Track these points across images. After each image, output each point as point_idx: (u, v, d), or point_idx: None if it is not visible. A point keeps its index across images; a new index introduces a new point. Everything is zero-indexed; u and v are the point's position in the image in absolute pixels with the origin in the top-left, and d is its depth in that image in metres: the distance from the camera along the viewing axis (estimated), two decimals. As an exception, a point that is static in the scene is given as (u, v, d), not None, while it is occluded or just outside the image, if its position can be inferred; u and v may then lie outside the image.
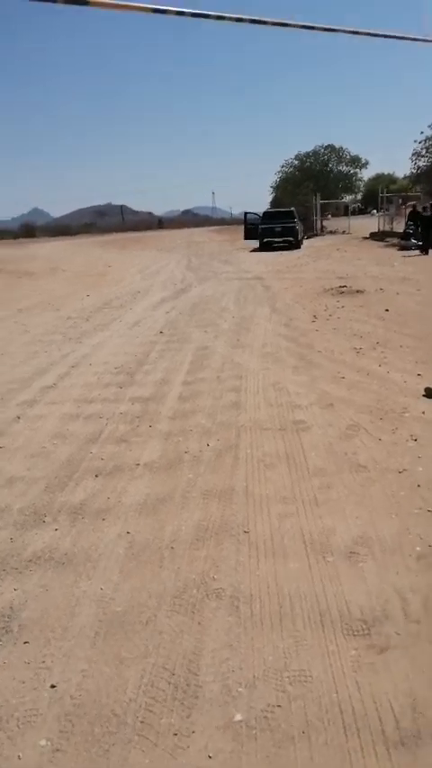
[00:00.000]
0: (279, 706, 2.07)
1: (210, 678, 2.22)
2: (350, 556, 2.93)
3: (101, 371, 6.74)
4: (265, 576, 2.81)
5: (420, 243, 20.43)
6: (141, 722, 2.05)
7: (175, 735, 1.99)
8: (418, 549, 2.95)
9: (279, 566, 2.89)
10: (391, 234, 26.41)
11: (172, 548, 3.11)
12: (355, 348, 7.09)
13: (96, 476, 4.03)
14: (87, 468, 4.17)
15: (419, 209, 20.06)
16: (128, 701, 2.15)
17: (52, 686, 2.23)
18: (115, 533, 3.29)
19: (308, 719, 2.01)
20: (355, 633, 2.40)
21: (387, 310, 9.34)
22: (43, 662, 2.35)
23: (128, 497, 3.69)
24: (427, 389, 5.27)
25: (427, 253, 18.82)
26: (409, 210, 23.94)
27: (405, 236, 22.00)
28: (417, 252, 19.28)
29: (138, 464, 4.18)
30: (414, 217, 22.12)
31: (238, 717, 2.04)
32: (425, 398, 5.17)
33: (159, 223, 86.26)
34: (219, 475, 3.93)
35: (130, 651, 2.39)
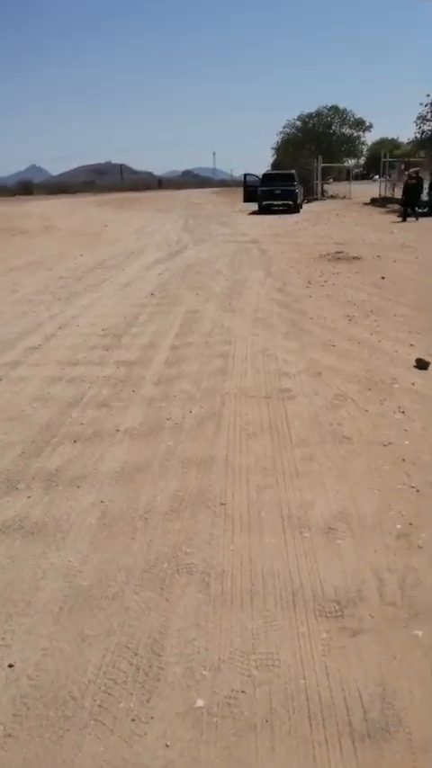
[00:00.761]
0: (243, 692, 1.96)
1: (173, 659, 2.10)
2: (328, 532, 2.80)
3: (88, 333, 6.54)
4: (238, 552, 2.68)
5: (424, 209, 19.99)
6: (99, 706, 1.93)
7: (133, 721, 1.88)
8: (398, 526, 2.83)
9: (254, 540, 2.76)
10: (393, 200, 25.83)
11: (146, 518, 2.98)
12: (348, 316, 6.89)
13: (75, 441, 3.88)
14: (66, 433, 4.02)
15: (406, 176, 19.92)
16: (87, 682, 2.03)
17: (10, 665, 2.11)
18: (89, 502, 3.15)
19: (272, 707, 1.90)
20: (328, 615, 2.28)
21: (383, 278, 9.10)
22: (2, 639, 2.23)
23: (105, 464, 3.55)
24: (418, 360, 5.10)
25: (404, 220, 18.61)
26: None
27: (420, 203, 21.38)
28: (414, 219, 18.82)
29: (118, 430, 4.03)
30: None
31: (200, 702, 1.93)
32: (415, 369, 5.00)
33: (159, 183, 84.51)
34: (199, 443, 3.78)
35: (94, 628, 2.27)
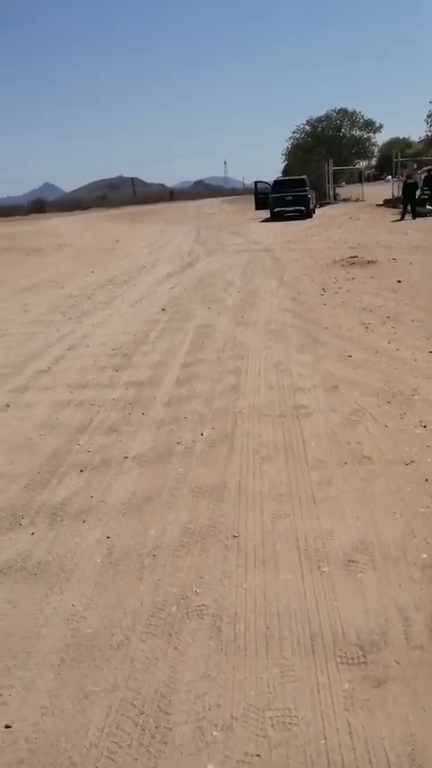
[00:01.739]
0: (258, 755, 1.80)
1: (182, 718, 1.95)
2: (348, 565, 2.63)
3: (98, 353, 6.44)
4: (252, 590, 2.52)
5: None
6: (100, 775, 1.78)
7: (137, 793, 1.72)
8: (423, 556, 2.64)
9: (269, 577, 2.60)
10: (414, 201, 25.51)
11: (154, 555, 2.83)
12: (364, 323, 6.70)
13: (81, 471, 3.76)
14: (73, 462, 3.90)
15: (408, 176, 21.42)
16: (89, 745, 1.89)
17: (7, 726, 1.98)
18: (95, 538, 3.02)
19: (290, 775, 1.73)
20: (350, 661, 2.11)
21: (399, 282, 8.89)
22: (0, 695, 2.10)
23: (112, 496, 3.42)
24: (438, 369, 4.90)
25: (402, 218, 19.49)
26: (424, 176, 23.05)
27: (420, 201, 21.22)
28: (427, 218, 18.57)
29: (126, 457, 3.90)
30: (429, 182, 21.34)
31: (210, 769, 1.77)
32: (436, 379, 4.80)
33: (171, 195, 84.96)
34: (211, 469, 3.63)
35: (97, 683, 2.12)
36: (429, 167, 24.01)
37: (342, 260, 11.47)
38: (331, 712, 1.92)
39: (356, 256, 11.67)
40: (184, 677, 2.11)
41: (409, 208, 19.93)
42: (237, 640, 2.25)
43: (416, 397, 4.45)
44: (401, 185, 20.98)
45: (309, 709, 1.94)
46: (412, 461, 3.49)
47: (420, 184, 22.01)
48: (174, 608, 2.46)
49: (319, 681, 2.04)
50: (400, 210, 20.45)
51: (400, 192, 20.92)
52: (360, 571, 2.58)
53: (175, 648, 2.24)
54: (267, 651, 2.19)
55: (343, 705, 1.94)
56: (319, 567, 2.64)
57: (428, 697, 1.94)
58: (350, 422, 4.13)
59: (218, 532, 2.97)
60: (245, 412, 4.47)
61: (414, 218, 19.38)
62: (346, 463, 3.54)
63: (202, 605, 2.46)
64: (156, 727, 1.92)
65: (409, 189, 20.18)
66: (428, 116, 24.27)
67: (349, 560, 2.66)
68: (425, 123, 25.61)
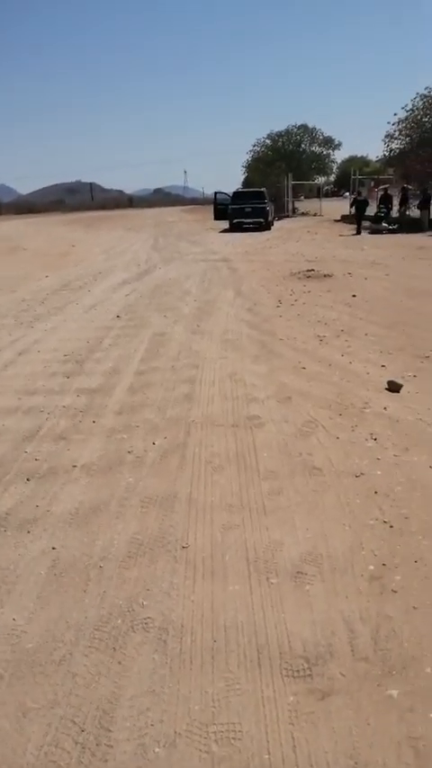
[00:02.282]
0: (200, 772, 1.77)
1: (124, 735, 1.90)
2: (296, 576, 2.64)
3: (49, 359, 6.32)
4: (200, 602, 2.50)
5: (393, 226, 20.42)
6: (36, 797, 1.73)
7: None
8: (370, 567, 2.68)
9: (217, 589, 2.58)
10: (363, 217, 26.17)
11: (100, 566, 2.78)
12: (319, 336, 6.81)
13: (28, 479, 3.67)
14: (19, 470, 3.80)
15: (359, 194, 23.35)
16: (26, 766, 1.82)
17: None
18: (39, 549, 2.94)
19: (232, 791, 1.71)
20: (296, 674, 2.11)
21: (354, 296, 9.08)
22: None
23: (59, 505, 3.34)
24: (390, 383, 5.00)
25: (358, 233, 20.86)
26: (381, 194, 23.74)
27: (376, 218, 21.84)
28: (387, 234, 19.19)
29: (75, 466, 3.83)
30: (385, 200, 21.99)
31: (151, 788, 1.73)
32: (387, 392, 4.91)
33: (130, 202, 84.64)
34: (162, 479, 3.60)
35: (37, 700, 2.06)
36: (386, 186, 24.72)
37: (299, 273, 11.65)
38: (276, 726, 1.92)
39: (313, 270, 11.87)
40: (127, 692, 2.07)
41: (359, 222, 21.42)
42: (182, 654, 2.22)
43: (367, 410, 4.53)
44: (352, 202, 22.93)
45: (253, 723, 1.93)
46: (362, 474, 3.54)
47: (377, 202, 22.82)
48: (119, 621, 2.41)
49: (264, 694, 2.03)
50: (356, 226, 21.53)
51: (353, 209, 22.58)
52: (308, 583, 2.59)
53: (119, 663, 2.20)
54: (213, 664, 2.17)
55: (288, 718, 1.94)
56: (267, 578, 2.64)
57: (372, 710, 1.96)
58: (302, 433, 4.17)
59: (167, 543, 2.94)
60: (198, 421, 4.45)
61: (359, 233, 20.85)
62: (297, 474, 3.56)
63: (148, 618, 2.42)
64: (96, 745, 1.87)
65: (360, 205, 21.75)
66: (386, 136, 24.93)
67: (298, 572, 2.67)
68: (382, 143, 26.26)
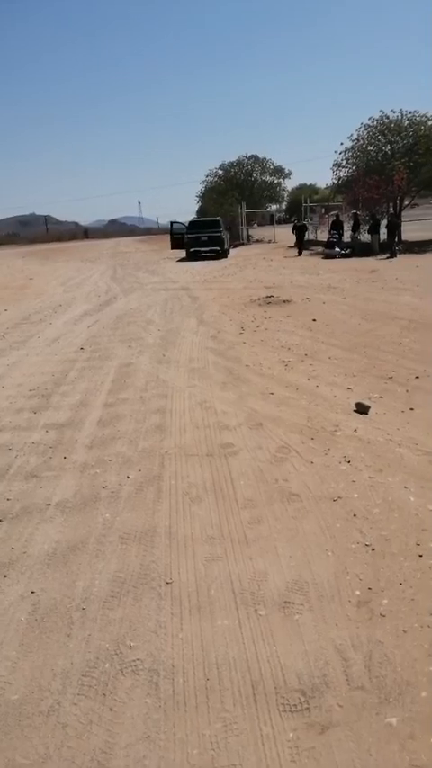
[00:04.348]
0: None
1: (122, 787, 1.82)
2: (284, 606, 2.61)
3: (14, 395, 6.19)
4: (189, 640, 2.44)
5: (346, 251, 20.98)
6: None
7: None
8: (357, 593, 2.67)
9: (205, 624, 2.53)
10: (316, 242, 26.79)
11: (83, 609, 2.69)
12: (284, 361, 6.87)
13: (0, 521, 3.55)
14: (-9, 511, 3.68)
15: (297, 220, 26.39)
16: None
17: None
18: (18, 594, 2.83)
19: None
20: (293, 709, 2.07)
21: (314, 320, 9.23)
22: None
23: (35, 546, 3.24)
24: (358, 405, 5.07)
25: (300, 254, 23.52)
26: (332, 220, 24.39)
27: (329, 244, 22.40)
28: (340, 259, 19.74)
29: (49, 504, 3.72)
30: (336, 225, 22.59)
31: None
32: (356, 414, 4.97)
33: (85, 233, 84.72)
34: (139, 513, 3.53)
35: (27, 755, 1.96)
36: (336, 212, 25.43)
37: (258, 299, 11.79)
38: (278, 765, 1.87)
39: (272, 296, 12.03)
40: (121, 741, 1.99)
41: (300, 246, 24.11)
42: (176, 695, 2.16)
43: (338, 433, 4.57)
44: (293, 228, 25.30)
45: (254, 763, 1.88)
46: (339, 497, 3.55)
47: (329, 228, 23.52)
48: (107, 665, 2.33)
49: (263, 732, 1.98)
50: (298, 250, 24.28)
51: (293, 231, 25.08)
52: (297, 612, 2.57)
53: (111, 709, 2.12)
54: (208, 704, 2.11)
55: (289, 756, 1.90)
56: (255, 610, 2.60)
57: (373, 740, 1.93)
58: (276, 459, 4.17)
59: (150, 580, 2.87)
60: (171, 452, 4.41)
61: (300, 254, 23.52)
62: (275, 501, 3.55)
63: (137, 660, 2.35)
64: (93, 801, 1.79)
65: (299, 231, 24.40)
66: (334, 165, 25.66)
67: (285, 602, 2.64)
68: (331, 171, 27.09)
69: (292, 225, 26.07)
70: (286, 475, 3.91)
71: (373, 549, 2.99)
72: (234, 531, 3.26)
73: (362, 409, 5.01)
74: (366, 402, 5.09)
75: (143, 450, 4.49)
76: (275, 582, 2.79)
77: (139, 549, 3.15)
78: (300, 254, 23.74)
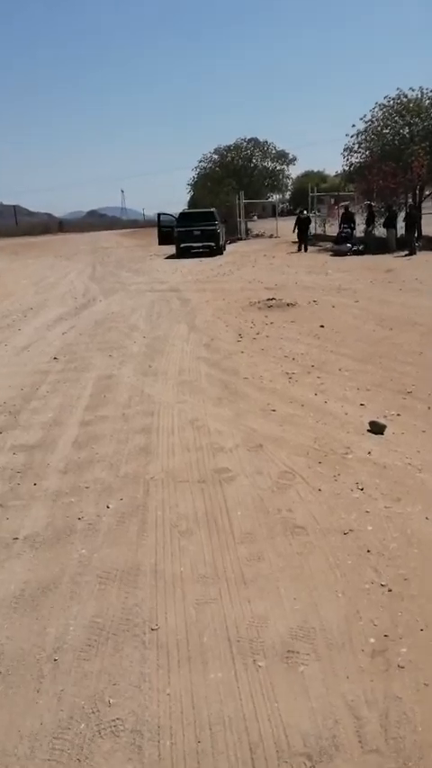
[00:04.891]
0: None
1: None
2: (287, 657, 2.60)
3: (-23, 412, 6.19)
4: (177, 696, 2.43)
5: (359, 247, 21.14)
6: None
7: None
8: (371, 640, 2.67)
9: (197, 678, 2.52)
10: (324, 237, 27.02)
11: (55, 659, 2.68)
12: (287, 373, 6.90)
13: (-40, 558, 3.54)
14: None
15: (300, 212, 26.47)
16: None
17: None
18: (-21, 643, 2.82)
19: None
20: (298, 776, 2.06)
21: (322, 326, 9.29)
22: None
23: (0, 588, 3.22)
24: (372, 423, 5.09)
25: (300, 250, 24.13)
26: (342, 212, 24.61)
27: (339, 239, 22.58)
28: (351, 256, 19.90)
29: (16, 538, 3.71)
30: (348, 218, 22.80)
31: None
32: (370, 434, 4.99)
33: (60, 226, 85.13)
34: (121, 548, 3.53)
35: None
36: (347, 203, 25.64)
37: (258, 302, 11.86)
38: None
39: (274, 298, 12.11)
40: None
41: (303, 241, 24.48)
42: (162, 760, 2.14)
43: (350, 456, 4.58)
44: (295, 221, 25.58)
45: None
46: (351, 530, 3.56)
47: (339, 221, 23.72)
48: (82, 725, 2.31)
49: (262, 803, 1.97)
50: (299, 246, 24.62)
51: (294, 227, 25.55)
52: (302, 663, 2.56)
53: (86, 778, 2.10)
54: (199, 771, 2.10)
55: None
56: (254, 661, 2.59)
57: None
58: (279, 486, 4.18)
59: (133, 626, 2.86)
60: (158, 478, 4.41)
61: (306, 250, 23.98)
62: (277, 535, 3.55)
63: (118, 719, 2.33)
64: None
65: (302, 224, 24.57)
66: (344, 150, 25.92)
67: (288, 651, 2.63)
68: (341, 157, 27.27)
69: (296, 217, 26.42)
70: (290, 504, 3.91)
71: (390, 590, 2.99)
72: (230, 569, 3.26)
73: (377, 429, 5.03)
74: (382, 420, 5.12)
75: (125, 475, 4.50)
76: (277, 628, 2.78)
77: (120, 589, 3.14)
78: (301, 249, 24.18)
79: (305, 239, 24.53)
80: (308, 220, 25.57)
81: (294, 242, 26.14)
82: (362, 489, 4.05)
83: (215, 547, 3.48)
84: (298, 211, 26.86)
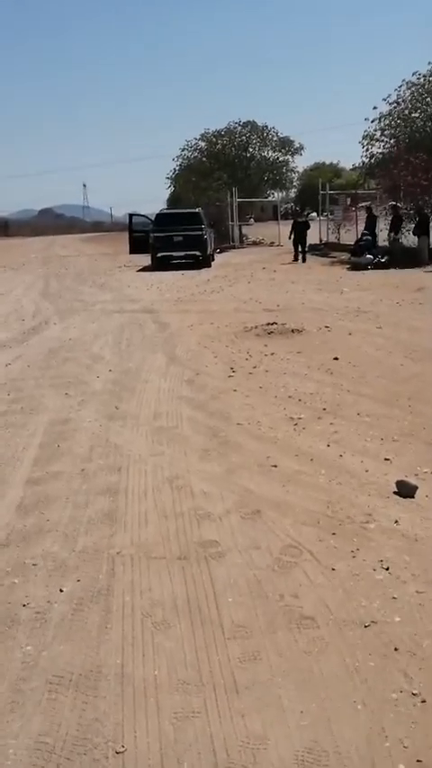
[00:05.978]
0: None
1: None
2: (293, 789, 2.58)
3: None
4: None
5: (382, 259, 21.44)
6: None
7: None
8: (401, 767, 2.65)
9: None
10: (339, 246, 27.42)
11: (-11, 793, 2.63)
12: (292, 418, 6.96)
13: None
14: None
15: (300, 215, 28.78)
16: None
17: None
18: None
19: None
20: None
21: (336, 359, 9.39)
22: None
23: None
24: (399, 484, 5.13)
25: (296, 260, 26.21)
26: (366, 214, 24.96)
27: (357, 249, 22.86)
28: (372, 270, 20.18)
29: None
30: (369, 223, 23.17)
31: None
32: (397, 497, 5.02)
33: (5, 228, 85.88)
34: (77, 645, 3.51)
35: None
36: (368, 203, 26.07)
37: (256, 327, 11.99)
38: None
39: (275, 323, 12.26)
40: None
41: (300, 249, 26.31)
42: None
43: (371, 525, 4.60)
44: (292, 225, 27.22)
45: None
46: (373, 622, 3.56)
47: (363, 225, 24.00)
48: None
49: None
50: (298, 252, 26.34)
51: (290, 232, 27.21)
52: (311, 798, 2.54)
53: None
54: None
55: None
56: (249, 795, 2.56)
57: None
58: (281, 565, 4.19)
59: (92, 748, 2.83)
60: (126, 553, 4.42)
61: (304, 261, 25.80)
62: (278, 628, 3.55)
63: None
64: None
65: (300, 228, 26.20)
66: (364, 137, 26.45)
67: (294, 782, 2.61)
68: (360, 146, 27.69)
69: (292, 221, 27.78)
70: (295, 588, 3.92)
71: (424, 701, 2.99)
72: (218, 673, 3.25)
73: (406, 491, 5.06)
74: (412, 480, 5.16)
75: (84, 549, 4.50)
76: (279, 751, 2.76)
77: (75, 700, 3.12)
78: (298, 260, 26.13)
79: (303, 247, 25.53)
80: (306, 225, 26.59)
81: (301, 252, 26.59)
82: (387, 569, 4.06)
83: (199, 644, 3.47)
84: (303, 212, 27.79)
